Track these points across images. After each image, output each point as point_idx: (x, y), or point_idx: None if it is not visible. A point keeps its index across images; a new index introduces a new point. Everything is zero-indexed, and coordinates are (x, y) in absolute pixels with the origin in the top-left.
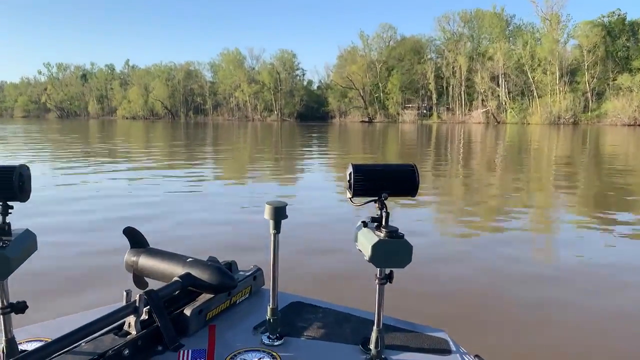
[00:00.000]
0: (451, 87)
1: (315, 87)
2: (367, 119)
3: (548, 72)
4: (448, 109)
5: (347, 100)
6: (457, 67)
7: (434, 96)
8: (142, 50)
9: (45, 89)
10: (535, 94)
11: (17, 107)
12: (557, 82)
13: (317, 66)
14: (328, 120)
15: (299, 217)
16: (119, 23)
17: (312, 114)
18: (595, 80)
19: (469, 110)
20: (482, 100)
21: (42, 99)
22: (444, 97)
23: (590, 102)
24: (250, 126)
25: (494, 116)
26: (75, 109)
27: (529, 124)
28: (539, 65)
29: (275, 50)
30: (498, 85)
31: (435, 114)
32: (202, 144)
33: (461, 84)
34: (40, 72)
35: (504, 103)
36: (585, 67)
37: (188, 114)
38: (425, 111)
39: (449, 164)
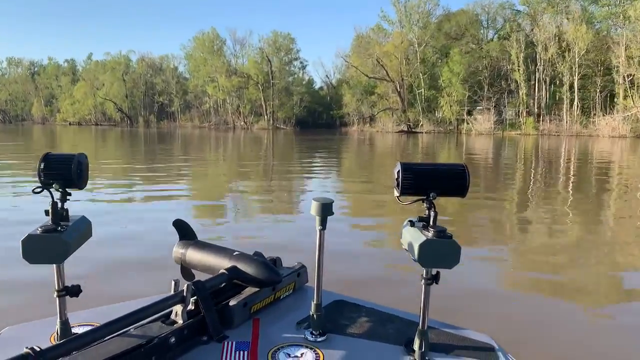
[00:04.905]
0: (539, 75)
1: (319, 85)
2: (406, 128)
3: None
4: (552, 113)
5: (373, 98)
6: (567, 44)
7: (522, 91)
8: (116, 44)
9: None
10: None
11: None
12: None
13: (321, 57)
14: (338, 129)
15: None
16: (89, 15)
17: (315, 120)
18: None
19: (593, 115)
20: (626, 97)
21: None
22: (539, 94)
23: None
24: (230, 140)
25: None
26: (18, 112)
27: None
28: None
29: (266, 32)
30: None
31: (528, 120)
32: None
33: (574, 73)
34: None
35: None
36: None
37: (149, 118)
38: (508, 116)
39: None
